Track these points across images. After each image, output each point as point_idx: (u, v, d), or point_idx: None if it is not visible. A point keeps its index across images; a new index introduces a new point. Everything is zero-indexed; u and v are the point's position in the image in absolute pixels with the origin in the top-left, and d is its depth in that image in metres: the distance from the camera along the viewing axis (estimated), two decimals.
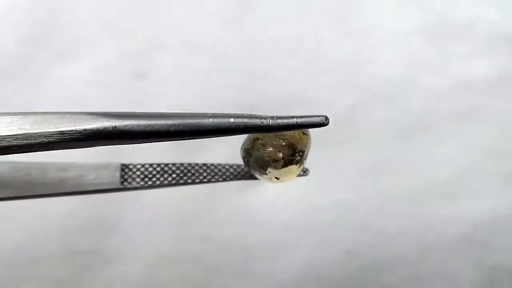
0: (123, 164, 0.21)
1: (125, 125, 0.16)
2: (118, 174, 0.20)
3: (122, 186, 0.20)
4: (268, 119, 0.17)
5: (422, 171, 0.35)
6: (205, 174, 0.21)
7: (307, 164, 0.22)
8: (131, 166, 0.21)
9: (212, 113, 0.17)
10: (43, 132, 0.15)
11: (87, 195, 0.20)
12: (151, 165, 0.21)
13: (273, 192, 0.35)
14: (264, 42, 0.35)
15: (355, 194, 0.35)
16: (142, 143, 0.17)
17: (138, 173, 0.21)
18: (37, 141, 0.15)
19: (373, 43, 0.35)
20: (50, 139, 0.15)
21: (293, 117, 0.18)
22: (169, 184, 0.21)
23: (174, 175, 0.21)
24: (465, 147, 0.35)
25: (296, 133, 0.20)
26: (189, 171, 0.21)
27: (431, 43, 0.35)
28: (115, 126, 0.16)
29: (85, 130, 0.16)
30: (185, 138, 0.17)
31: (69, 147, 0.16)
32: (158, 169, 0.21)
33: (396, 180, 0.35)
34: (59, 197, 0.19)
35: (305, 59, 0.35)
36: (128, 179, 0.20)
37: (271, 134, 0.19)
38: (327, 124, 0.18)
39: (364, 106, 0.35)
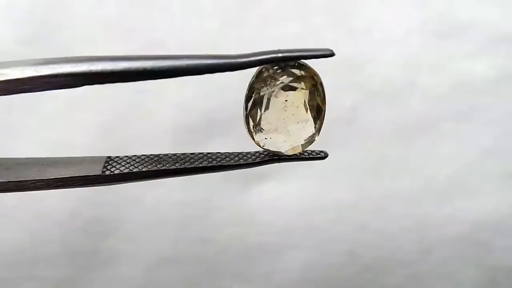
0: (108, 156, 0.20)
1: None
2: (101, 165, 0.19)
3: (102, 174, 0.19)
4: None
5: (422, 171, 0.35)
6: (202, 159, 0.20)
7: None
8: (116, 159, 0.19)
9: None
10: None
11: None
12: (139, 156, 0.19)
13: (273, 193, 0.35)
14: (264, 42, 0.35)
15: (355, 194, 0.35)
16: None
17: (123, 163, 0.19)
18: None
19: (373, 43, 0.35)
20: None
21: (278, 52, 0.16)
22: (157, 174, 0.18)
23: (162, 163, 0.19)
24: (465, 147, 0.35)
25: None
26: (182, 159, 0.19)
27: (431, 43, 0.35)
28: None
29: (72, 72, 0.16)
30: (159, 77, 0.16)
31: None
32: (147, 159, 0.19)
33: (396, 180, 0.35)
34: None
35: None
36: (111, 168, 0.19)
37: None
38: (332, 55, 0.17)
39: (364, 106, 0.35)
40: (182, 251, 0.34)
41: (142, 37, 0.34)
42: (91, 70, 0.16)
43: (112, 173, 0.18)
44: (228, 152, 0.20)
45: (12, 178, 0.18)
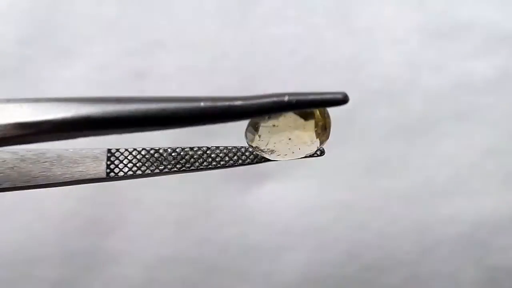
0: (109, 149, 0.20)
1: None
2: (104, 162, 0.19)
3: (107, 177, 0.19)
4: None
5: (422, 171, 0.35)
6: (205, 157, 0.20)
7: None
8: (117, 154, 0.20)
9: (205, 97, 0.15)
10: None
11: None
12: (139, 152, 0.20)
13: (272, 193, 0.35)
14: (264, 42, 0.35)
15: (355, 194, 0.35)
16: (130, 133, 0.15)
17: (125, 161, 0.20)
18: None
19: (373, 43, 0.35)
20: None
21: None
22: (162, 172, 0.19)
23: (165, 163, 0.20)
24: (465, 147, 0.35)
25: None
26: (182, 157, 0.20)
27: (431, 43, 0.35)
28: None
29: (64, 118, 0.15)
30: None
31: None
32: (148, 156, 0.20)
33: (396, 180, 0.35)
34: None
35: (305, 59, 0.35)
36: (115, 169, 0.19)
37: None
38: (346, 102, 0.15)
39: (364, 106, 0.35)
40: (182, 251, 0.34)
41: (142, 37, 0.34)
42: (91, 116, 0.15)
43: (116, 175, 0.19)
44: (227, 149, 0.20)
45: (17, 182, 0.18)
